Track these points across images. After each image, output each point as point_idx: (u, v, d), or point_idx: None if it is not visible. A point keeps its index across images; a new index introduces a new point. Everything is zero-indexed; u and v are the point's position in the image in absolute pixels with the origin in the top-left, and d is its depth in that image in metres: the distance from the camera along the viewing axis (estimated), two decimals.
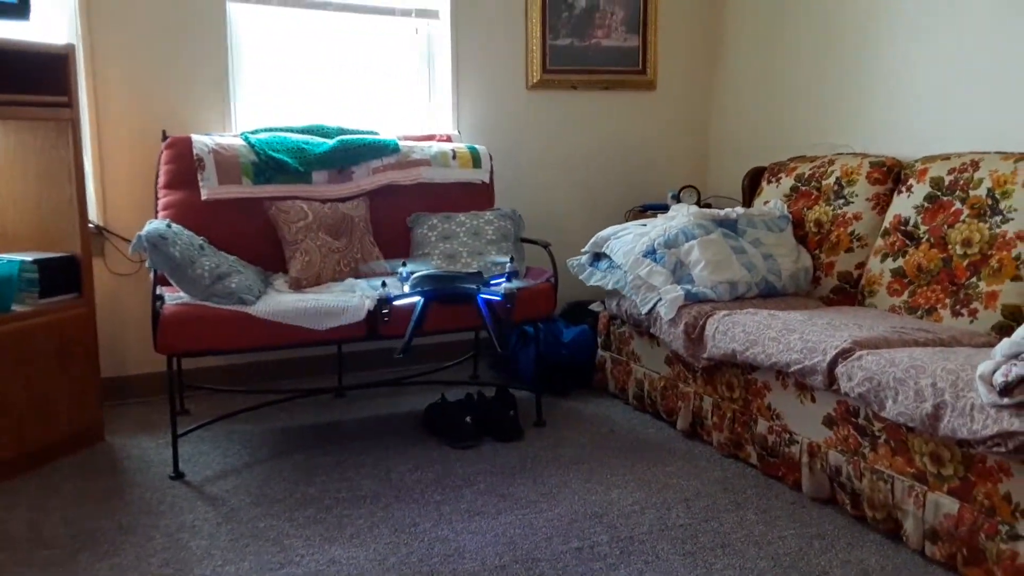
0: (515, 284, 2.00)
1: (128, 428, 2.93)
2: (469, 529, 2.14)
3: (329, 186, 3.12)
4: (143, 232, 2.49)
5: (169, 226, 2.60)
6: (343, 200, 3.12)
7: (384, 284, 1.97)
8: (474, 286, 1.99)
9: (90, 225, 2.85)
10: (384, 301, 1.99)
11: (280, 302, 2.57)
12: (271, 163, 3.02)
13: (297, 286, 2.84)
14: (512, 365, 3.48)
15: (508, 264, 2.13)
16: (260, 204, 3.00)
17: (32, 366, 2.53)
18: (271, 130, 3.18)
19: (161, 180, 2.99)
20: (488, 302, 1.94)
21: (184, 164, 2.98)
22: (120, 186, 3.17)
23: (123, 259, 3.18)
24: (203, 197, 2.93)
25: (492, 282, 2.02)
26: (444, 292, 1.98)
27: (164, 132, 3.08)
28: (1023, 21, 2.64)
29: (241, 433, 2.88)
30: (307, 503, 2.30)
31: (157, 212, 2.97)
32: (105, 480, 2.47)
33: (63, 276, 2.66)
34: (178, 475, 2.50)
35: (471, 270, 1.95)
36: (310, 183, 3.09)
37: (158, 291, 2.49)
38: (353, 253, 3.00)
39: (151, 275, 2.52)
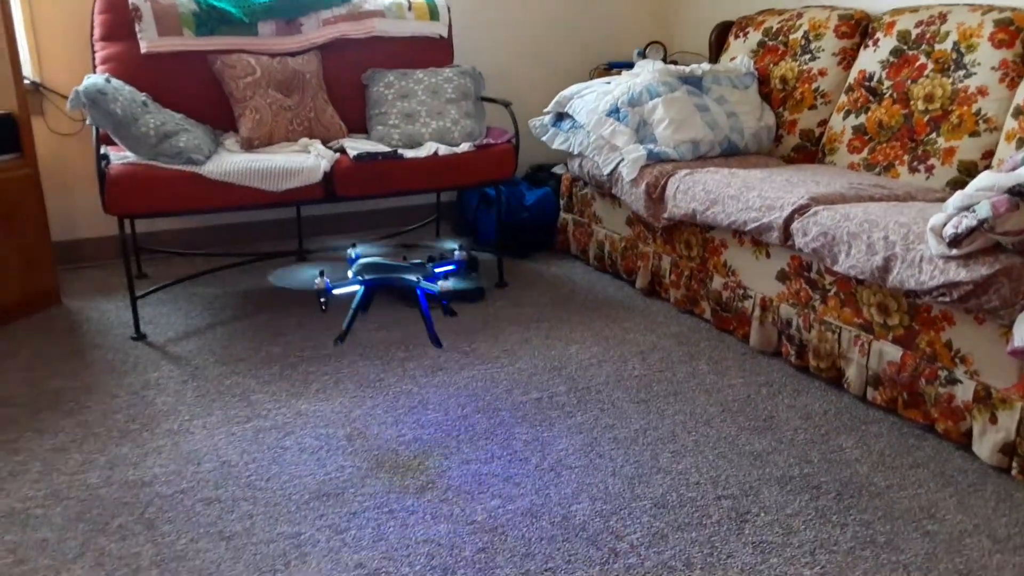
0: (454, 284, 2.09)
1: (85, 291, 2.89)
2: (433, 383, 2.19)
3: (277, 39, 2.96)
4: (80, 87, 2.36)
5: (108, 81, 2.46)
6: (292, 55, 2.97)
7: (322, 273, 2.06)
8: (415, 278, 2.04)
9: (25, 81, 2.68)
10: (322, 291, 2.03)
11: (232, 162, 2.49)
12: (213, 12, 2.84)
13: (249, 146, 2.75)
14: (474, 228, 3.47)
15: (457, 253, 2.22)
16: (204, 58, 2.84)
17: None
18: None
19: (96, 32, 2.81)
20: (426, 294, 2.04)
21: (120, 14, 2.79)
22: (54, 39, 2.97)
23: (64, 118, 3.03)
24: (142, 50, 2.77)
25: (436, 270, 2.13)
26: (384, 282, 2.04)
27: None
28: None
29: (202, 296, 2.86)
30: (272, 361, 2.33)
31: (95, 67, 2.81)
32: (65, 342, 2.46)
33: (2, 135, 2.53)
34: (140, 336, 2.49)
35: (415, 260, 2.07)
36: (256, 35, 2.93)
37: (103, 150, 2.40)
38: (306, 112, 2.89)
39: (93, 133, 2.41)
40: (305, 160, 2.57)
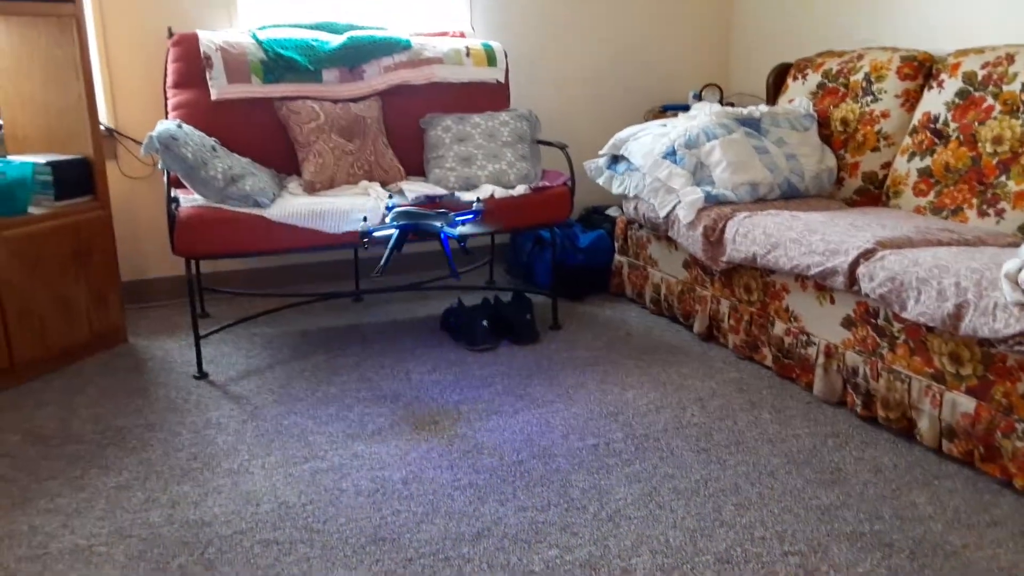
0: (471, 229, 2.56)
1: (150, 330, 2.97)
2: (487, 427, 2.18)
3: (340, 85, 3.05)
4: (154, 133, 2.45)
5: (180, 127, 2.55)
6: (355, 100, 3.05)
7: (365, 219, 2.52)
8: (439, 224, 2.46)
9: (101, 126, 2.81)
10: (365, 233, 2.46)
11: (295, 205, 2.55)
12: (280, 61, 2.94)
13: (311, 189, 2.81)
14: (528, 271, 3.47)
15: (475, 203, 2.65)
16: (270, 104, 2.93)
17: (52, 269, 2.54)
18: (279, 27, 3.08)
19: (169, 80, 2.93)
20: (449, 237, 2.48)
21: (191, 63, 2.90)
22: (128, 86, 3.10)
23: (136, 162, 3.15)
24: (212, 97, 2.87)
25: (457, 219, 2.53)
26: (414, 226, 2.45)
27: (170, 29, 2.99)
28: None
29: (262, 335, 2.92)
30: (329, 402, 2.35)
31: (167, 113, 2.92)
32: (130, 380, 2.52)
33: (77, 178, 2.64)
34: (202, 375, 2.55)
35: (440, 211, 2.52)
36: (320, 82, 3.01)
37: (173, 193, 2.48)
38: (366, 155, 2.96)
39: (164, 177, 2.49)
40: (365, 203, 2.62)
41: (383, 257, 2.42)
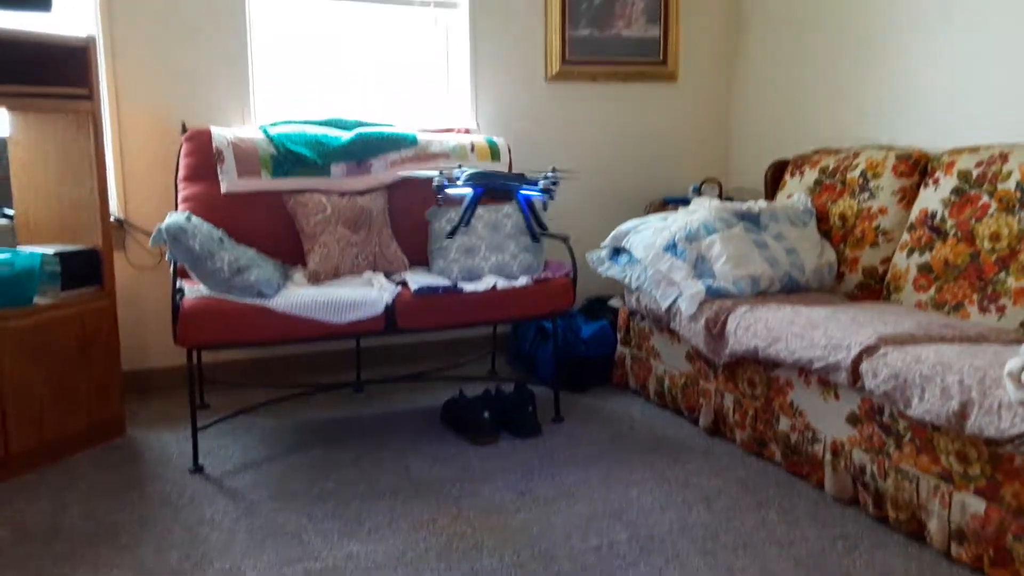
0: (553, 177, 2.58)
1: (149, 421, 2.95)
2: (487, 525, 2.13)
3: (348, 179, 3.12)
4: (163, 225, 2.49)
5: (189, 219, 2.60)
6: (362, 193, 3.11)
7: (441, 172, 2.62)
8: (516, 183, 2.50)
9: (111, 218, 2.86)
10: (440, 187, 2.52)
11: (299, 295, 2.57)
12: (290, 156, 3.02)
13: (315, 279, 2.84)
14: (531, 361, 3.46)
15: (550, 172, 2.72)
16: (279, 197, 2.99)
17: (54, 359, 2.54)
18: (290, 123, 3.18)
19: (181, 173, 3.00)
20: (527, 198, 2.51)
21: (204, 157, 2.98)
22: (141, 179, 3.18)
23: (144, 252, 3.20)
24: (223, 190, 2.94)
25: (535, 181, 2.58)
26: (491, 186, 2.49)
27: (184, 124, 3.09)
28: None
29: (261, 427, 2.89)
30: (326, 498, 2.30)
31: (177, 205, 2.98)
32: (125, 473, 2.48)
33: (85, 269, 2.67)
34: (198, 469, 2.51)
35: (515, 172, 2.57)
36: (329, 176, 3.08)
37: (178, 284, 2.50)
38: (371, 247, 2.99)
39: (171, 268, 2.52)
40: (368, 293, 2.64)
41: (464, 217, 2.47)
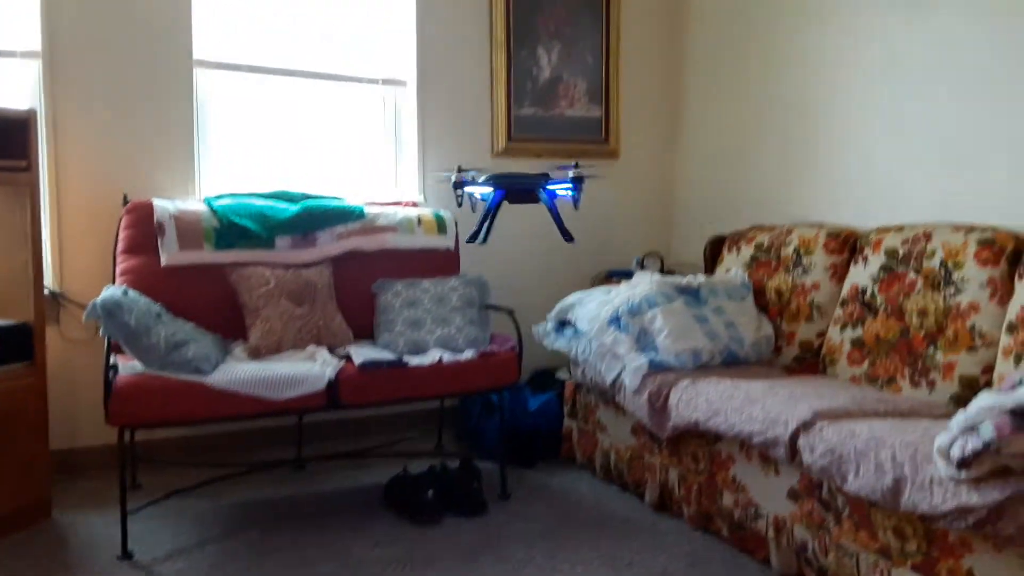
0: (563, 189, 2.54)
1: (78, 504, 2.81)
2: None
3: (292, 251, 3.10)
4: (98, 300, 2.44)
5: (126, 293, 2.55)
6: (307, 266, 3.10)
7: (459, 168, 2.55)
8: (540, 181, 2.46)
9: (45, 291, 2.78)
10: (459, 184, 2.50)
11: (237, 371, 2.52)
12: (233, 228, 3.00)
13: (256, 354, 2.79)
14: (477, 436, 3.43)
15: (571, 170, 2.68)
16: (221, 270, 2.96)
17: None
18: (236, 196, 3.17)
19: (120, 245, 2.95)
20: (554, 196, 2.45)
21: (144, 229, 2.94)
22: (78, 251, 3.11)
23: (78, 326, 3.10)
24: (163, 263, 2.89)
25: (558, 182, 2.52)
26: (513, 187, 2.42)
27: (126, 196, 3.05)
28: (974, 97, 2.75)
29: (195, 509, 2.78)
30: None
31: (115, 278, 2.92)
32: (48, 561, 2.36)
33: (14, 344, 2.58)
34: (126, 555, 2.39)
35: (538, 173, 2.52)
36: (273, 248, 3.06)
37: (112, 360, 2.43)
38: (316, 320, 2.97)
39: (105, 344, 2.45)
40: (311, 368, 2.60)
41: (485, 223, 2.35)
